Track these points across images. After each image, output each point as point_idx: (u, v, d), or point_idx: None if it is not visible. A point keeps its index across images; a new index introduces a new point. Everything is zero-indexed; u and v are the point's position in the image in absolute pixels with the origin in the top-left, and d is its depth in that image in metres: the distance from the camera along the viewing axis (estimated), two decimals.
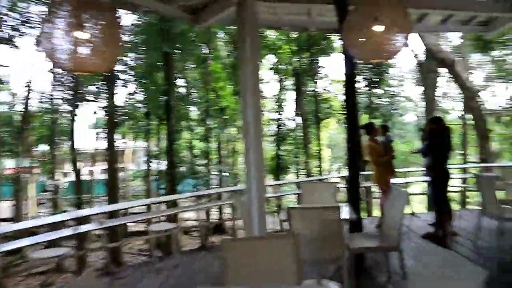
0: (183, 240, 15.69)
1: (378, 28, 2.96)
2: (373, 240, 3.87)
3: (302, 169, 17.51)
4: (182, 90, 19.61)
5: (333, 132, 30.81)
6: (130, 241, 11.93)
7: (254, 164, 4.72)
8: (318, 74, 14.51)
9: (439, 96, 23.43)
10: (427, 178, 5.62)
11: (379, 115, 18.41)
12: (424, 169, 5.64)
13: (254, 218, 4.67)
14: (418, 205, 10.51)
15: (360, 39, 3.04)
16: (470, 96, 9.74)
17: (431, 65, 13.68)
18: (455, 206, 7.77)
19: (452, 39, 21.92)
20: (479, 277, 1.68)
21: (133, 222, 6.54)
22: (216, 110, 18.27)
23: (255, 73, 4.93)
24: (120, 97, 23.85)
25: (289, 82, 18.08)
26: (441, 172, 5.30)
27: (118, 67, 14.48)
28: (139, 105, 17.41)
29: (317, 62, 13.83)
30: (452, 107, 28.03)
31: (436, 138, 5.28)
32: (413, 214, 7.24)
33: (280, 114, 19.25)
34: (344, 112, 4.67)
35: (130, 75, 15.45)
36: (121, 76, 14.78)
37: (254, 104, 4.83)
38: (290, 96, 18.62)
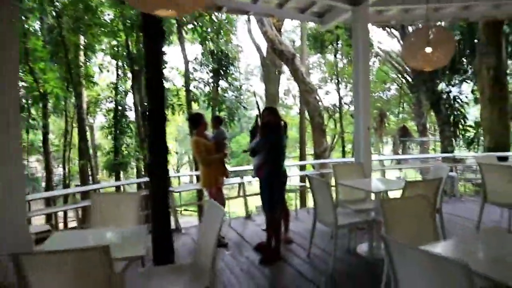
0: None
1: None
2: (179, 279, 2.77)
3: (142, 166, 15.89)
4: None
5: (182, 125, 29.73)
6: None
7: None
8: None
9: (283, 93, 24.46)
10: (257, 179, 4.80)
11: (224, 108, 17.97)
12: (253, 168, 4.82)
13: None
14: (257, 205, 10.08)
15: None
16: (307, 90, 9.68)
17: (273, 60, 13.64)
18: (292, 206, 7.34)
19: (293, 38, 23.07)
20: None
21: None
22: (35, 96, 15.16)
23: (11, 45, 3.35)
24: None
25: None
26: (278, 173, 4.52)
27: None
28: None
29: None
30: (294, 103, 29.84)
31: (273, 133, 4.48)
32: (248, 217, 6.51)
33: (118, 104, 17.21)
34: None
35: None
36: None
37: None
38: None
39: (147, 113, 3.23)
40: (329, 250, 4.58)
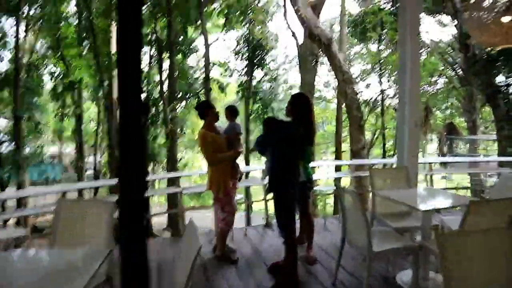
0: None
1: None
2: None
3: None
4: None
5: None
6: None
7: None
8: (184, 46, 12.16)
9: (322, 85, 23.09)
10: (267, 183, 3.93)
11: (258, 99, 17.18)
12: (265, 170, 4.01)
13: None
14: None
15: None
16: (344, 80, 8.64)
17: (311, 47, 12.62)
18: (321, 213, 6.40)
19: (333, 27, 21.69)
20: None
21: None
22: (66, 83, 15.02)
23: None
24: None
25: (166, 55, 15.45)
26: (286, 179, 3.59)
27: None
28: None
29: (183, 32, 11.43)
30: (334, 96, 28.29)
31: (280, 127, 3.61)
32: (268, 225, 5.63)
33: (149, 94, 16.83)
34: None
35: None
36: None
37: None
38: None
39: (118, 97, 2.43)
40: (360, 276, 3.66)
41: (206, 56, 7.35)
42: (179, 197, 5.57)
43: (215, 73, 16.05)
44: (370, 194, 4.54)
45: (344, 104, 10.32)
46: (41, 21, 14.67)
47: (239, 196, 5.04)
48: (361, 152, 8.59)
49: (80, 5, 13.59)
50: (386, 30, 11.78)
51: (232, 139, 4.29)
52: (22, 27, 13.79)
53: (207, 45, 7.32)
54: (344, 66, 8.83)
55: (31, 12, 14.77)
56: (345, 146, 16.57)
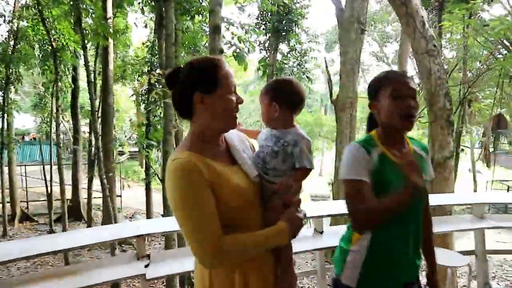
0: None
1: None
2: None
3: None
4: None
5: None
6: None
7: None
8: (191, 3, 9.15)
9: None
10: None
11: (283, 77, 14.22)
12: None
13: None
14: None
15: None
16: (428, 52, 5.59)
17: (355, 13, 9.50)
18: None
19: None
20: None
21: None
22: (47, 51, 12.26)
23: None
24: None
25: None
26: None
27: None
28: None
29: None
30: (364, 80, 24.95)
31: None
32: None
33: (152, 65, 14.16)
34: None
35: None
36: None
37: None
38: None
39: None
40: None
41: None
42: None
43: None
44: None
45: (422, 87, 7.28)
46: None
47: None
48: (447, 164, 5.61)
49: None
50: None
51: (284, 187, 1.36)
52: None
53: None
54: (429, 30, 5.76)
55: None
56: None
